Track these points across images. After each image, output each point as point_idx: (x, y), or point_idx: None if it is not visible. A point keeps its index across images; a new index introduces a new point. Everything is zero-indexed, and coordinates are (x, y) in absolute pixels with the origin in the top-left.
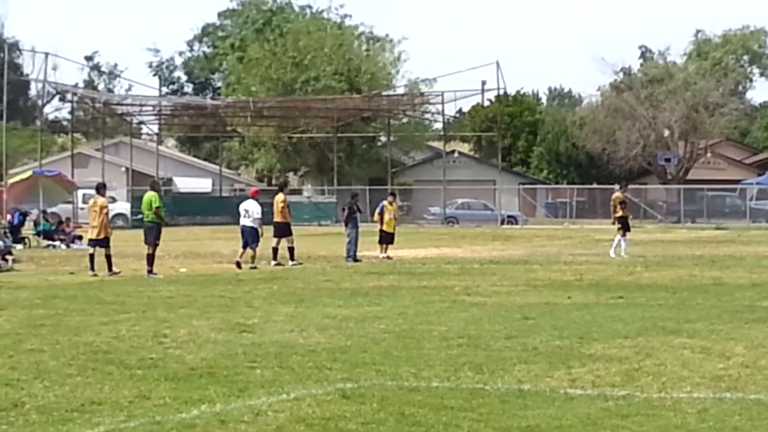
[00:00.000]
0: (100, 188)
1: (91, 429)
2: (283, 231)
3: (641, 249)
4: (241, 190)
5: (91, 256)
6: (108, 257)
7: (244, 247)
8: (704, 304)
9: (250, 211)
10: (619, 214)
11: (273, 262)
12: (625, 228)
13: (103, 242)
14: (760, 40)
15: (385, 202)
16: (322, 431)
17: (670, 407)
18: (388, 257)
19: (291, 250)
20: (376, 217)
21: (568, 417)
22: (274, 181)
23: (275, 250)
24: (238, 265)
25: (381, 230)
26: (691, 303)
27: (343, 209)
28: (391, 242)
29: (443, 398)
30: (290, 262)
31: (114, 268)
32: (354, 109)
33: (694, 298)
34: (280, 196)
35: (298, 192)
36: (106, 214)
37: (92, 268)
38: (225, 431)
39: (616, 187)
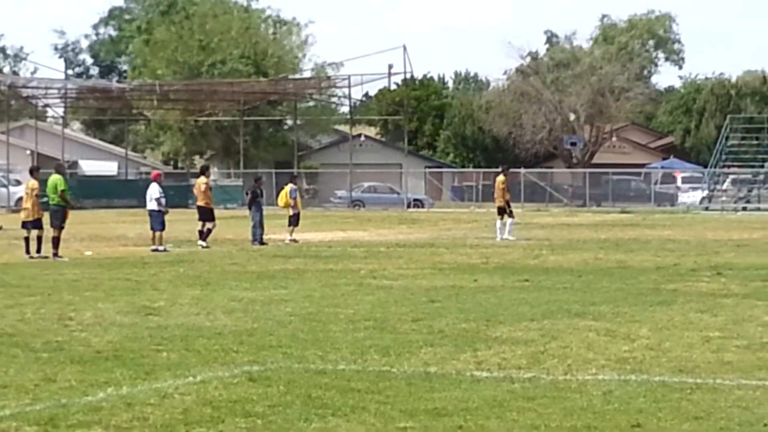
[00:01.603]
0: (33, 171)
1: None
2: (206, 215)
3: (547, 232)
4: (147, 173)
5: (26, 238)
6: (39, 239)
7: (152, 230)
8: (609, 287)
9: (149, 194)
10: (508, 197)
11: (200, 243)
12: (510, 212)
13: (36, 223)
14: (665, 24)
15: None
16: (229, 414)
17: (576, 389)
18: (294, 240)
19: (206, 232)
20: (290, 201)
21: (474, 399)
22: (180, 165)
23: (200, 232)
24: (155, 250)
25: (297, 213)
26: (597, 286)
27: (247, 193)
28: (297, 224)
29: (350, 381)
30: (199, 242)
31: (42, 252)
32: (260, 92)
33: (600, 281)
34: (201, 179)
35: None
36: (36, 195)
37: (27, 251)
38: (131, 414)
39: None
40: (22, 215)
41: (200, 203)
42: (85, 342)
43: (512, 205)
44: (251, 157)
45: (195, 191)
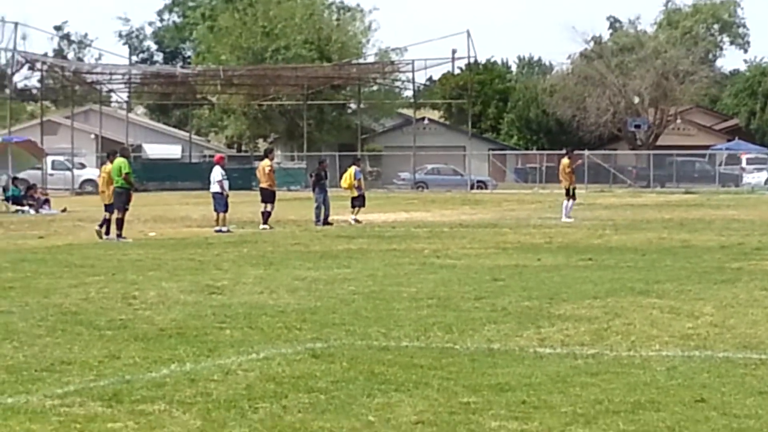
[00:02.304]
0: (110, 155)
1: (61, 388)
2: (268, 197)
3: (610, 213)
4: (210, 156)
5: (106, 221)
6: (108, 221)
7: (215, 211)
8: (673, 266)
9: (212, 177)
10: (569, 180)
11: (262, 226)
12: (573, 193)
13: (109, 207)
14: (729, 9)
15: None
16: (292, 389)
17: (639, 365)
18: (358, 221)
19: (266, 214)
20: (354, 182)
21: (537, 375)
22: (243, 148)
23: (263, 213)
24: (219, 231)
25: (363, 195)
26: (660, 265)
27: (311, 175)
28: (363, 205)
29: (413, 357)
30: (261, 225)
31: (111, 234)
32: (324, 77)
33: (663, 260)
34: (265, 162)
35: None
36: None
37: (107, 232)
38: (195, 389)
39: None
40: (102, 199)
41: (263, 185)
42: (148, 320)
43: (577, 186)
44: (314, 141)
45: (258, 174)
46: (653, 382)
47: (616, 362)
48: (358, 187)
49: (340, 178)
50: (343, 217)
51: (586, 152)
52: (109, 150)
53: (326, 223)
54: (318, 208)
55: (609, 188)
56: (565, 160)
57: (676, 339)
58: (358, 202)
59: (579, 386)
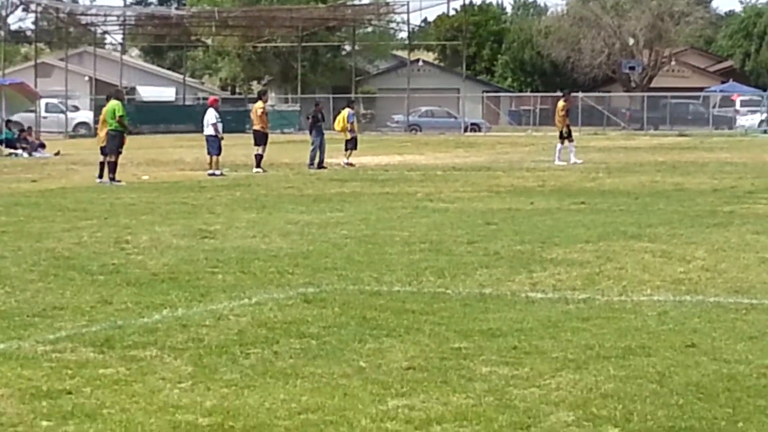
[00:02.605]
0: (109, 97)
1: (53, 333)
2: (260, 139)
3: (604, 156)
4: (204, 98)
5: (101, 163)
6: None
7: (209, 154)
8: (666, 210)
9: (206, 119)
10: (567, 122)
11: (255, 170)
12: (569, 135)
13: (102, 149)
14: None
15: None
16: (284, 335)
17: (631, 310)
18: (351, 164)
19: (257, 157)
20: (347, 125)
21: (529, 320)
22: (237, 90)
23: (256, 156)
24: (212, 174)
25: (355, 138)
26: (653, 208)
27: (307, 117)
28: (355, 148)
29: (405, 302)
30: (254, 169)
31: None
32: (319, 18)
33: (656, 203)
34: (258, 104)
35: None
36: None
37: (100, 175)
38: (187, 335)
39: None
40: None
41: (256, 127)
42: (141, 264)
43: (571, 128)
44: (309, 83)
45: (252, 116)
46: (644, 327)
47: (608, 307)
48: (351, 130)
49: (334, 120)
50: (336, 160)
51: (580, 94)
52: (107, 93)
53: (320, 166)
54: (313, 150)
55: (602, 131)
56: (561, 103)
57: (668, 284)
58: (350, 144)
59: (570, 331)
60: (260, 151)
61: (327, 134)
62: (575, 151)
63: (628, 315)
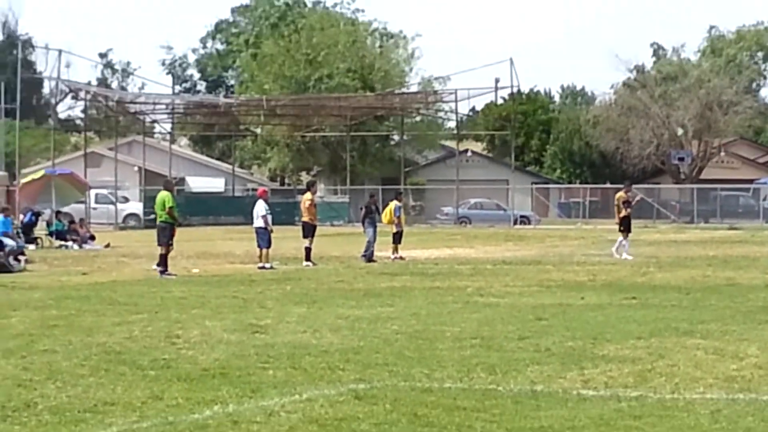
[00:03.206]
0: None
1: (104, 429)
2: (308, 231)
3: (654, 249)
4: (254, 189)
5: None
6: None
7: (258, 247)
8: (717, 305)
9: (256, 211)
10: (623, 214)
11: (305, 263)
12: (627, 229)
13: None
14: None
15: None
16: None
17: (683, 408)
18: (401, 257)
19: (308, 250)
20: (393, 218)
21: (581, 418)
22: (287, 181)
23: (305, 249)
24: (262, 267)
25: (401, 231)
26: (705, 304)
27: (361, 208)
28: (399, 242)
29: (456, 399)
30: (304, 263)
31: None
32: (367, 107)
33: (708, 299)
34: (307, 195)
35: None
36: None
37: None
38: (237, 431)
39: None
40: None
41: (304, 219)
42: (191, 360)
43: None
44: (358, 173)
45: (301, 207)
46: (697, 426)
47: (660, 405)
48: (397, 224)
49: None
50: (386, 253)
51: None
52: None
53: (370, 260)
54: (369, 242)
55: (653, 223)
56: (620, 194)
57: (721, 381)
58: (397, 238)
59: (623, 430)
60: (309, 244)
61: (382, 227)
62: (628, 247)
63: (681, 413)
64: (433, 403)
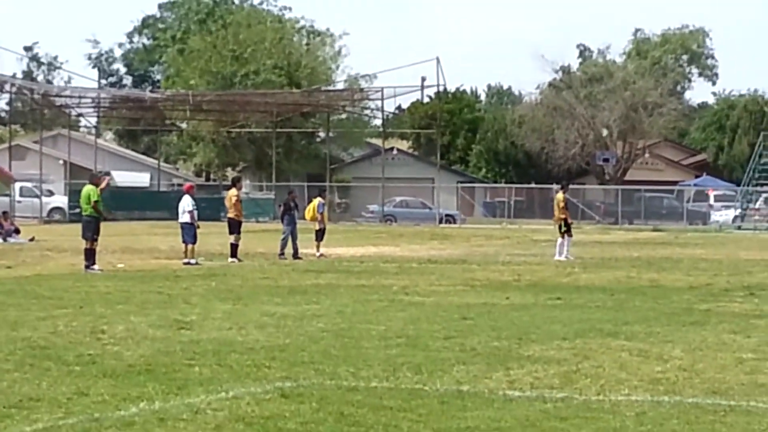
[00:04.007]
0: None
1: (29, 426)
2: (234, 227)
3: (579, 250)
4: (179, 184)
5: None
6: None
7: (184, 243)
8: (642, 307)
9: (182, 206)
10: (564, 215)
11: (230, 259)
12: (568, 229)
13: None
14: (698, 39)
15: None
16: (262, 430)
17: (609, 410)
18: (323, 255)
19: (233, 246)
20: (316, 215)
21: (507, 419)
22: (212, 176)
23: (231, 246)
24: (187, 263)
25: (324, 228)
26: (629, 305)
27: (280, 205)
28: (322, 239)
29: (382, 398)
30: (230, 259)
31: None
32: (293, 104)
33: (632, 300)
34: (232, 191)
35: None
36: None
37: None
38: (164, 429)
39: (556, 187)
40: None
41: (230, 215)
42: (117, 356)
43: (544, 222)
44: (283, 170)
45: (226, 203)
46: (623, 428)
47: (586, 407)
48: (320, 221)
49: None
50: (311, 250)
51: (555, 186)
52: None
53: (295, 257)
54: (284, 239)
55: (577, 224)
56: (560, 195)
57: (645, 383)
58: (320, 235)
59: (549, 431)
60: (234, 240)
61: (300, 224)
62: (570, 248)
63: (606, 415)
64: (359, 402)
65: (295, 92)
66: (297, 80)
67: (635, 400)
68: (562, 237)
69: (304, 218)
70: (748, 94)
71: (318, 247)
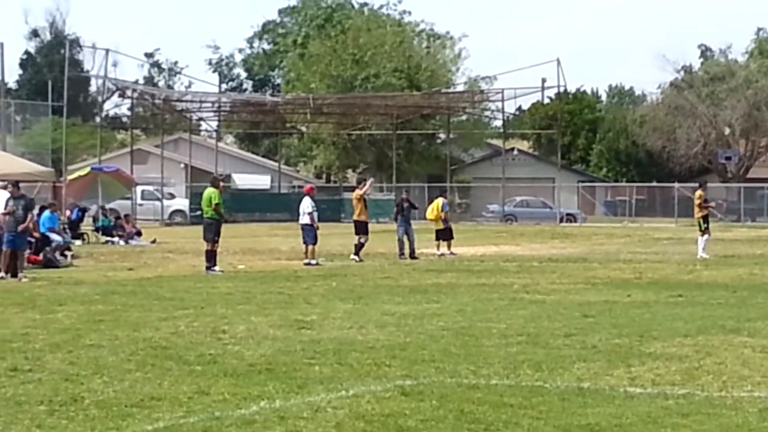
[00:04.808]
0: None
1: (151, 424)
2: (358, 228)
3: None
4: (300, 186)
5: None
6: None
7: (304, 243)
8: (765, 303)
9: (302, 208)
10: (704, 213)
11: (352, 256)
12: (707, 228)
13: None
14: None
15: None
16: (382, 428)
17: (731, 406)
18: (453, 253)
19: (358, 246)
20: (441, 214)
21: (628, 415)
22: (333, 178)
23: (355, 245)
24: (308, 263)
25: (450, 228)
26: (752, 302)
27: (396, 205)
28: (452, 237)
29: (503, 396)
30: (352, 255)
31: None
32: (413, 106)
33: (755, 297)
34: (356, 192)
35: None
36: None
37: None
38: (284, 427)
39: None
40: None
41: (354, 216)
42: (238, 355)
43: (665, 220)
44: (404, 171)
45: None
46: (745, 424)
47: (708, 403)
48: (445, 220)
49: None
50: (431, 250)
51: (676, 185)
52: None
53: (413, 257)
54: (400, 239)
55: None
56: (699, 192)
57: None
58: (444, 234)
59: (670, 427)
60: (361, 240)
61: (422, 223)
62: (706, 246)
63: (729, 411)
64: (479, 399)
65: (415, 95)
66: (417, 83)
67: (758, 396)
68: (702, 235)
69: (425, 218)
70: None
71: (448, 246)
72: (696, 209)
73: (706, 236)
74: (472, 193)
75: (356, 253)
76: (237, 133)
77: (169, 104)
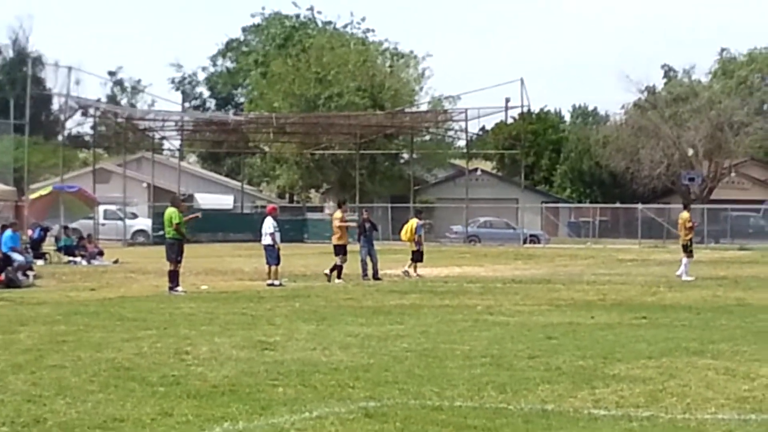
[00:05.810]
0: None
1: None
2: (338, 250)
3: (664, 269)
4: (263, 206)
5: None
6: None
7: (267, 264)
8: (728, 325)
9: (264, 228)
10: (690, 236)
11: (336, 281)
12: (689, 249)
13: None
14: None
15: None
16: None
17: (695, 429)
18: (419, 275)
19: (336, 267)
20: (414, 236)
21: None
22: (295, 198)
23: (336, 267)
24: (271, 284)
25: (420, 250)
26: (715, 324)
27: (358, 226)
28: (421, 260)
29: (466, 418)
30: (336, 280)
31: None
32: (377, 125)
33: (718, 319)
34: (337, 214)
35: (320, 209)
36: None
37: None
38: None
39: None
40: None
41: (333, 240)
42: (201, 376)
43: (629, 241)
44: (367, 191)
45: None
46: None
47: (672, 425)
48: (418, 242)
49: (399, 230)
50: (394, 271)
51: (639, 206)
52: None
53: (376, 277)
54: (362, 260)
55: (663, 243)
56: (686, 214)
57: (732, 402)
58: (415, 257)
59: None
60: (338, 261)
61: (386, 244)
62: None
63: None
64: (443, 421)
65: (378, 114)
66: (380, 102)
67: (722, 418)
68: (687, 256)
69: (393, 238)
70: None
71: (415, 268)
72: (683, 231)
73: (690, 258)
74: (435, 213)
75: (338, 276)
76: (200, 153)
77: (131, 123)
